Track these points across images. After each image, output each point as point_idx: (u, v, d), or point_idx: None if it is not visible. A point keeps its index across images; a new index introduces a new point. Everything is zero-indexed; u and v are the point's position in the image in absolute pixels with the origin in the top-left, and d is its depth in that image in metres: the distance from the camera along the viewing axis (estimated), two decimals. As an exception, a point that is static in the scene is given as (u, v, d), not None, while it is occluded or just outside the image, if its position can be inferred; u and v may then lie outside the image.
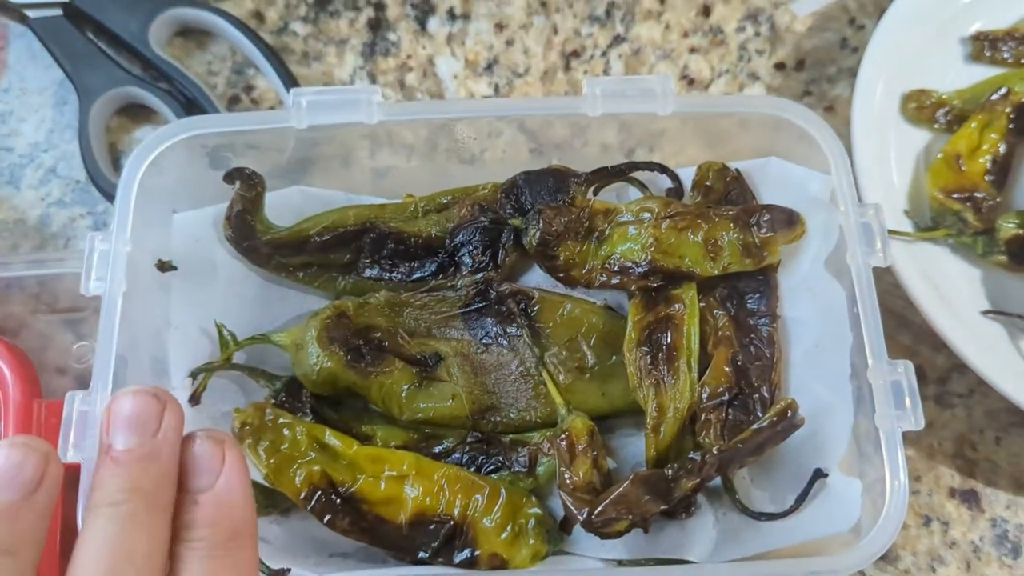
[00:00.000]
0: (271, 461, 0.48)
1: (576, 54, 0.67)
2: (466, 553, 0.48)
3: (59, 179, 0.63)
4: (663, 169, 0.55)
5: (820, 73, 0.66)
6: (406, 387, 0.51)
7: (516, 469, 0.51)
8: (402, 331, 0.52)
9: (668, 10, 0.68)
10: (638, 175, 0.55)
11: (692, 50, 0.67)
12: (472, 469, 0.51)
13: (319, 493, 0.48)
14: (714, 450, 0.46)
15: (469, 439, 0.52)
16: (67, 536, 0.50)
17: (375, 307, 0.52)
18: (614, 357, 0.52)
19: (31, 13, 0.63)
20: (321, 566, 0.50)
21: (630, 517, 0.46)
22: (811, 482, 0.48)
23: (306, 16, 0.67)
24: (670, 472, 0.46)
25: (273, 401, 0.51)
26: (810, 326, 0.51)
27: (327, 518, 0.48)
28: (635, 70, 0.66)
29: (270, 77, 0.64)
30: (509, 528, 0.49)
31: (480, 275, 0.53)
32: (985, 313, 0.57)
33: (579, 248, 0.52)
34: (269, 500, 0.50)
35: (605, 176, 0.55)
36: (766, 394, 0.50)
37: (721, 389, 0.50)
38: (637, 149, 0.57)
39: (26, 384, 0.51)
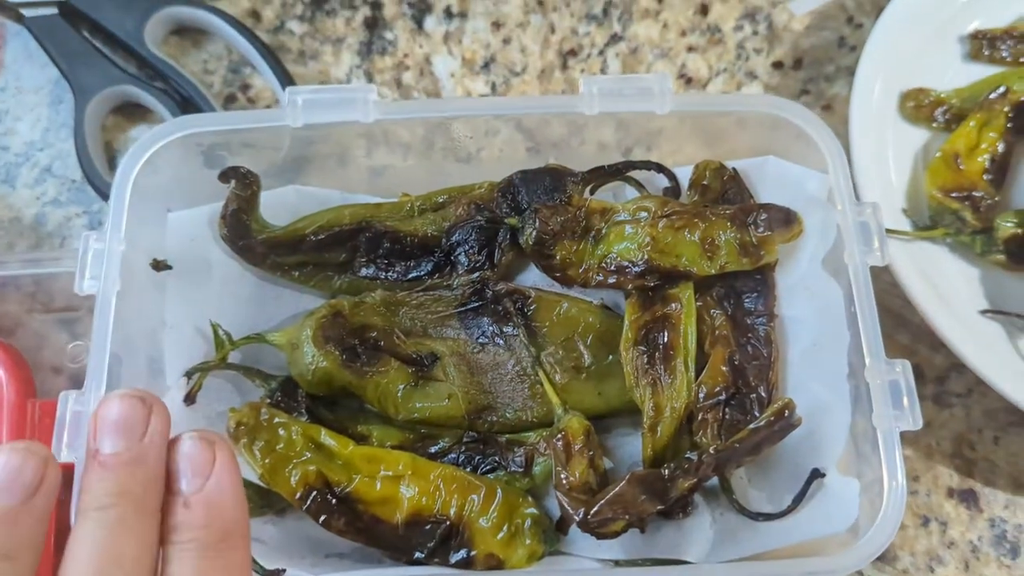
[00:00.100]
0: (266, 461, 0.48)
1: (573, 53, 0.66)
2: (462, 553, 0.48)
3: (55, 178, 0.63)
4: (660, 168, 0.55)
5: (818, 72, 0.66)
6: (402, 387, 0.51)
7: (512, 469, 0.51)
8: (398, 331, 0.52)
9: (666, 9, 0.67)
10: (635, 174, 0.55)
11: (690, 49, 0.67)
12: (468, 469, 0.50)
13: (315, 493, 0.48)
14: (711, 450, 0.46)
15: (465, 439, 0.51)
16: (61, 537, 0.50)
17: (371, 306, 0.52)
18: (611, 356, 0.52)
19: (27, 12, 0.63)
20: (317, 567, 0.49)
21: (626, 517, 0.45)
22: (808, 482, 0.48)
23: (302, 15, 0.67)
24: (667, 472, 0.46)
25: (268, 401, 0.51)
26: (808, 325, 0.51)
27: (323, 518, 0.48)
28: (632, 69, 0.66)
29: (266, 76, 0.64)
30: (505, 528, 0.48)
31: (476, 274, 0.53)
32: (983, 312, 0.57)
33: (576, 247, 0.52)
34: (264, 500, 0.50)
35: (602, 175, 0.54)
36: (763, 394, 0.50)
37: (718, 389, 0.50)
38: (634, 148, 0.56)
39: (20, 384, 0.51)
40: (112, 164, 0.63)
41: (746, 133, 0.54)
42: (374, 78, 0.66)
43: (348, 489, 0.48)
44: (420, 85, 0.66)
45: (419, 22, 0.67)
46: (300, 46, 0.66)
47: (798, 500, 0.48)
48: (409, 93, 0.66)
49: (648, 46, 0.67)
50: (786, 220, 0.51)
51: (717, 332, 0.51)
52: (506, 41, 0.67)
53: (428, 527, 0.48)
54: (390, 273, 0.54)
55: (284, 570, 0.47)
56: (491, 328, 0.52)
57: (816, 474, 0.48)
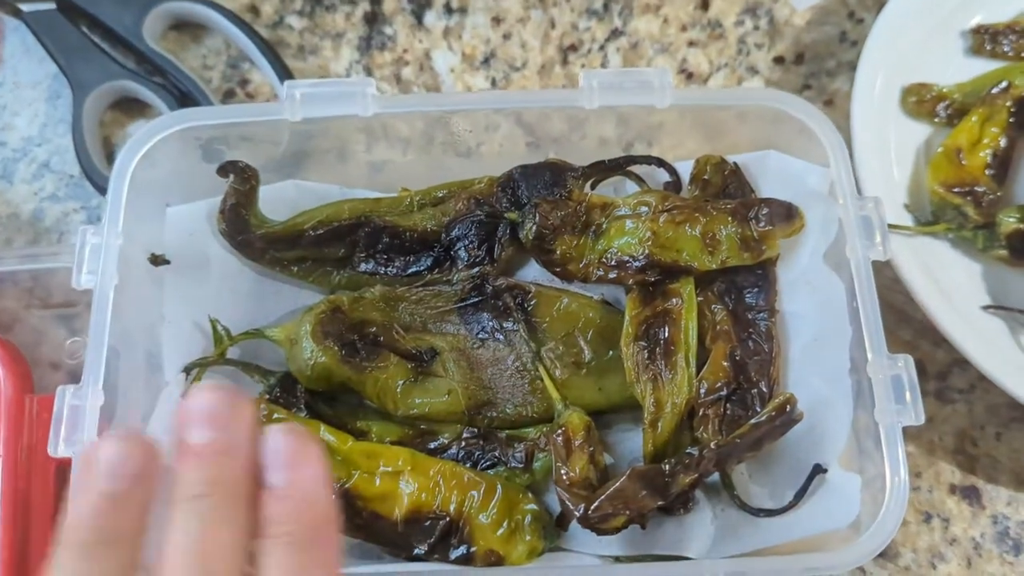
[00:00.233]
0: (265, 457, 0.48)
1: (574, 48, 0.66)
2: (462, 549, 0.48)
3: (52, 173, 0.63)
4: (661, 163, 0.54)
5: (819, 67, 0.66)
6: (401, 382, 0.51)
7: (512, 465, 0.50)
8: (397, 326, 0.52)
9: (666, 4, 0.67)
10: (636, 169, 0.55)
11: (691, 44, 0.66)
12: (468, 465, 0.50)
13: (313, 489, 0.47)
14: (712, 445, 0.46)
15: (465, 435, 0.51)
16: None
17: (370, 302, 0.52)
18: (611, 352, 0.52)
19: (25, 7, 0.63)
20: None
21: (627, 513, 0.45)
22: (810, 478, 0.47)
23: (301, 10, 0.67)
24: (667, 467, 0.45)
25: (267, 396, 0.51)
26: (809, 320, 0.51)
27: (321, 514, 0.47)
28: (633, 64, 0.66)
29: (265, 71, 0.64)
30: (505, 524, 0.48)
31: (476, 269, 0.53)
32: (986, 308, 0.57)
33: (576, 242, 0.52)
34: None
35: (602, 170, 0.54)
36: (764, 389, 0.50)
37: (719, 384, 0.50)
38: (635, 143, 0.56)
39: (18, 379, 0.51)
40: (110, 159, 0.63)
41: (747, 128, 0.54)
42: (373, 73, 0.65)
43: (347, 485, 0.48)
44: (420, 80, 0.65)
45: (419, 17, 0.67)
46: (299, 41, 0.66)
47: (799, 496, 0.47)
48: (409, 88, 0.65)
49: (649, 41, 0.66)
50: (787, 215, 0.51)
51: (718, 327, 0.51)
52: (506, 36, 0.66)
53: (428, 523, 0.48)
54: (389, 268, 0.54)
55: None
56: (491, 323, 0.52)
57: (818, 470, 0.47)
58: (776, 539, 0.47)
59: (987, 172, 0.58)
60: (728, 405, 0.49)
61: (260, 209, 0.53)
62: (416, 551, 0.48)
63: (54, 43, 0.62)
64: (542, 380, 0.51)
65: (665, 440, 0.49)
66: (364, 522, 0.48)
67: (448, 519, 0.48)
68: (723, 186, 0.53)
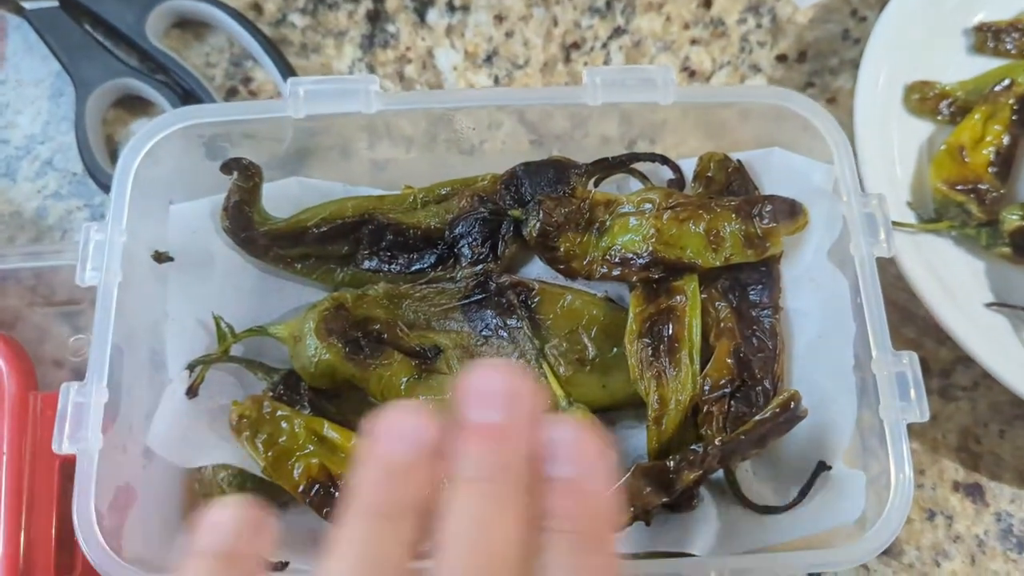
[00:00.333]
0: (269, 454, 0.48)
1: (576, 46, 0.66)
2: (466, 547, 0.48)
3: (56, 171, 0.63)
4: (664, 160, 0.54)
5: (822, 65, 0.66)
6: (405, 379, 0.51)
7: (516, 462, 0.50)
8: (401, 323, 0.52)
9: (669, 2, 0.67)
10: (639, 166, 0.55)
11: (693, 42, 0.66)
12: (472, 462, 0.50)
13: (317, 486, 0.47)
14: (716, 441, 0.46)
15: (469, 432, 0.51)
16: (63, 527, 0.49)
17: (374, 299, 0.52)
18: (615, 349, 0.51)
19: (27, 4, 0.63)
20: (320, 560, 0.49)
21: (631, 509, 0.45)
22: (814, 475, 0.47)
23: (304, 8, 0.67)
24: (672, 464, 0.45)
25: (271, 394, 0.51)
26: (813, 317, 0.51)
27: (325, 511, 0.47)
28: (636, 62, 0.66)
29: (268, 69, 0.64)
30: (509, 521, 0.48)
31: (480, 267, 0.53)
32: (989, 305, 0.57)
33: (580, 239, 0.52)
34: (267, 494, 0.50)
35: (606, 167, 0.54)
36: (768, 386, 0.50)
37: (723, 381, 0.50)
38: (638, 141, 0.56)
39: (22, 376, 0.51)
40: (113, 157, 0.63)
41: (750, 126, 0.54)
42: (376, 71, 0.65)
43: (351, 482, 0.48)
44: (423, 78, 0.65)
45: (421, 15, 0.67)
46: (302, 39, 0.66)
47: (804, 493, 0.47)
48: (411, 86, 0.65)
49: (651, 39, 0.66)
50: (791, 212, 0.51)
51: (722, 324, 0.51)
52: (509, 34, 0.66)
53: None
54: (393, 266, 0.54)
55: (287, 563, 0.46)
56: (495, 321, 0.52)
57: (822, 467, 0.47)
58: (780, 536, 0.47)
59: (990, 170, 0.58)
60: (732, 402, 0.49)
61: (263, 206, 0.53)
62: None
63: (57, 41, 0.62)
64: (546, 377, 0.51)
65: (669, 437, 0.49)
66: (368, 519, 0.48)
67: (452, 516, 0.48)
68: (727, 183, 0.53)
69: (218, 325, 0.51)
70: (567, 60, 0.66)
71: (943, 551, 0.55)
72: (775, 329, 0.51)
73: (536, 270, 0.54)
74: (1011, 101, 0.59)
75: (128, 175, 0.49)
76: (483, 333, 0.52)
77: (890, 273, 0.56)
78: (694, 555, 0.47)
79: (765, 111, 0.52)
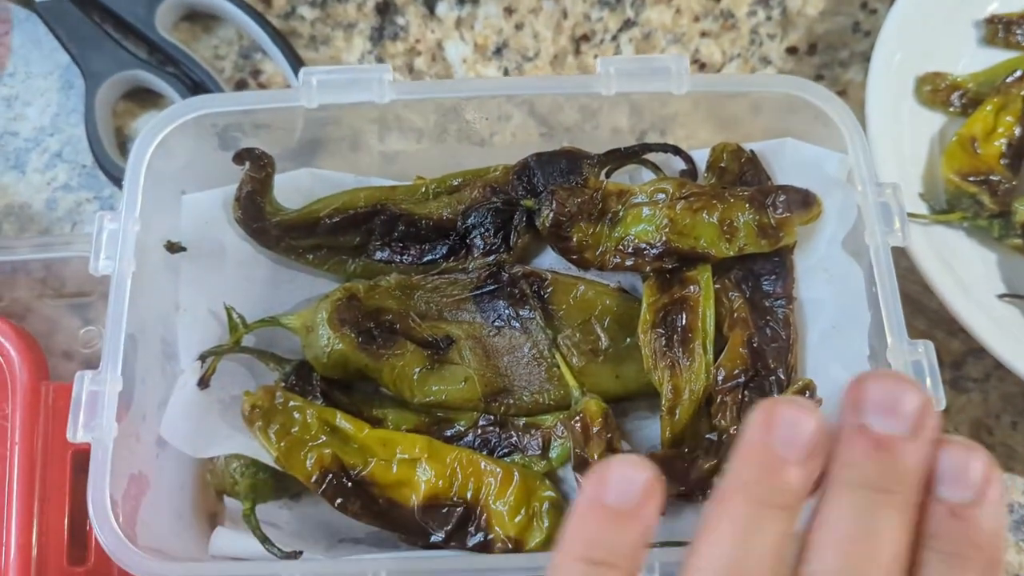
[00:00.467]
0: (281, 444, 0.48)
1: (586, 38, 0.66)
2: (479, 537, 0.48)
3: (65, 163, 0.63)
4: (677, 151, 0.54)
5: (832, 57, 0.66)
6: (418, 370, 0.50)
7: (529, 452, 0.50)
8: (413, 314, 0.52)
9: (679, -6, 0.67)
10: (651, 157, 0.55)
11: (703, 34, 0.66)
12: (484, 452, 0.50)
13: (330, 476, 0.47)
14: (731, 430, 0.46)
15: (481, 422, 0.51)
16: (75, 518, 0.49)
17: (386, 290, 0.52)
18: (628, 339, 0.51)
19: (37, -3, 0.63)
20: (332, 551, 0.49)
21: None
22: (829, 464, 0.47)
23: (313, 0, 0.67)
24: (686, 453, 0.45)
25: (283, 384, 0.51)
26: (827, 307, 0.51)
27: (338, 502, 0.47)
28: (645, 54, 0.66)
29: (277, 61, 0.64)
30: (523, 512, 0.48)
31: (492, 257, 0.53)
32: (1001, 296, 0.57)
33: (592, 230, 0.52)
34: (280, 484, 0.50)
35: (618, 158, 0.54)
36: (782, 376, 0.50)
37: (737, 371, 0.50)
38: (648, 133, 0.56)
39: (33, 366, 0.51)
40: (123, 149, 0.63)
41: (761, 117, 0.54)
42: (385, 63, 0.65)
43: (364, 472, 0.48)
44: (432, 71, 0.65)
45: (431, 7, 0.67)
46: (311, 31, 0.66)
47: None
48: (421, 79, 0.65)
49: (661, 31, 0.66)
50: (804, 202, 0.51)
51: (735, 314, 0.51)
52: (518, 27, 0.66)
53: (445, 510, 0.48)
54: (405, 256, 0.54)
55: (301, 552, 0.46)
56: (507, 311, 0.52)
57: (836, 456, 0.47)
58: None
59: (1002, 161, 0.58)
60: (746, 392, 0.49)
61: (275, 197, 0.53)
62: (433, 538, 0.48)
63: (66, 33, 0.62)
64: (558, 367, 0.51)
65: (683, 427, 0.49)
66: (380, 509, 0.48)
67: (465, 506, 0.48)
68: (740, 174, 0.53)
69: (230, 315, 0.51)
70: (577, 52, 0.66)
71: (956, 542, 0.55)
72: (789, 319, 0.51)
73: (549, 260, 0.54)
74: (1023, 93, 0.59)
75: (141, 164, 0.49)
76: (495, 324, 0.52)
77: (902, 265, 0.55)
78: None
79: (776, 103, 0.52)
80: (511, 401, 0.51)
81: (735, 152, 0.54)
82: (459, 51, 0.66)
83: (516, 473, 0.49)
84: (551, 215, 0.51)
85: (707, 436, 0.46)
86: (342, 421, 0.49)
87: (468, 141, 0.55)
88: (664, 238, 0.51)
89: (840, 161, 0.51)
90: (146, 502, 0.46)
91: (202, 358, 0.50)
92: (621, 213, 0.52)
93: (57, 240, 0.57)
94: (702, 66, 0.66)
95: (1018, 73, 0.59)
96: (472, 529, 0.48)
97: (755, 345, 0.50)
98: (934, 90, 0.60)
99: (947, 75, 0.61)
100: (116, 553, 0.42)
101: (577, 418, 0.48)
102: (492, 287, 0.52)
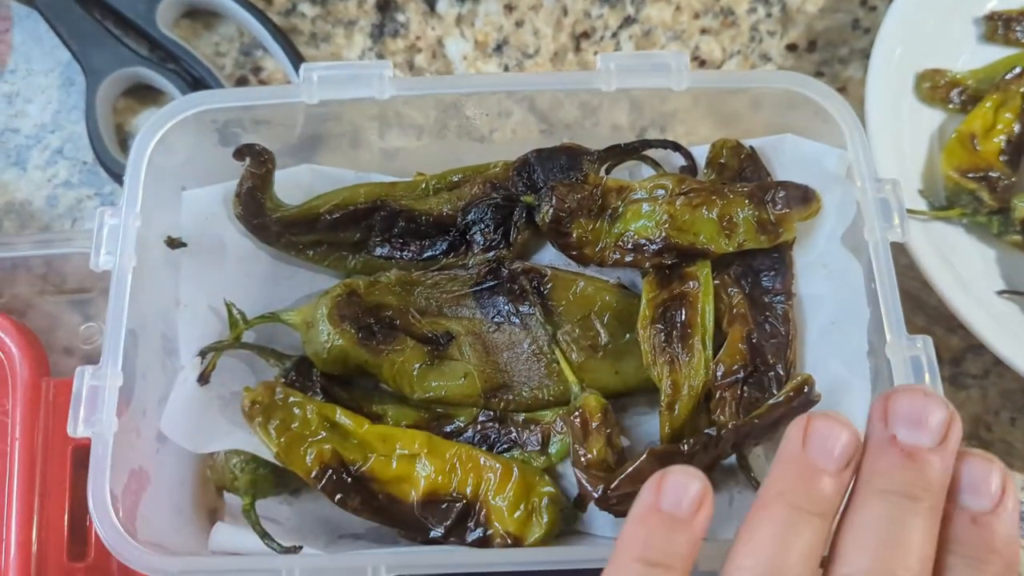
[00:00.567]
0: (281, 440, 0.48)
1: (586, 35, 0.66)
2: (479, 532, 0.48)
3: (66, 160, 0.63)
4: (676, 147, 0.54)
5: (832, 54, 0.66)
6: (417, 365, 0.51)
7: (529, 448, 0.50)
8: (413, 310, 0.52)
9: (679, -9, 0.67)
10: (651, 153, 0.55)
11: (703, 31, 0.66)
12: (484, 448, 0.50)
13: (330, 472, 0.47)
14: (729, 426, 0.46)
15: (481, 418, 0.51)
16: (75, 513, 0.49)
17: (386, 286, 0.52)
18: (627, 335, 0.51)
19: (38, -7, 0.63)
20: (331, 546, 0.49)
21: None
22: (828, 460, 0.47)
23: (314, -3, 0.67)
24: (685, 447, 0.45)
25: (283, 380, 0.51)
26: (826, 303, 0.51)
27: (338, 497, 0.47)
28: (646, 51, 0.66)
29: (278, 58, 0.64)
30: (522, 507, 0.48)
31: (492, 253, 0.53)
32: (1001, 293, 0.57)
33: (592, 226, 0.52)
34: (280, 480, 0.50)
35: (618, 154, 0.54)
36: (782, 372, 0.50)
37: (736, 367, 0.50)
38: (648, 130, 0.56)
39: (34, 362, 0.51)
40: (124, 146, 0.63)
41: (761, 114, 0.54)
42: (386, 60, 0.65)
43: (363, 468, 0.48)
44: (432, 68, 0.65)
45: (431, 4, 0.67)
46: (312, 28, 0.66)
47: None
48: (421, 75, 0.65)
49: (661, 28, 0.66)
50: (804, 197, 0.51)
51: (735, 310, 0.51)
52: (519, 23, 0.66)
53: (444, 506, 0.48)
54: (405, 252, 0.54)
55: (300, 547, 0.46)
56: (507, 307, 0.52)
57: (835, 452, 0.47)
58: (794, 521, 0.47)
59: (1001, 158, 0.58)
60: (745, 387, 0.49)
61: (276, 193, 0.53)
62: (432, 534, 0.48)
63: (67, 30, 0.62)
64: (558, 363, 0.51)
65: (682, 423, 0.49)
66: (380, 505, 0.48)
67: (464, 502, 0.48)
68: (739, 170, 0.53)
69: (230, 311, 0.51)
70: (577, 49, 0.66)
71: (955, 539, 0.55)
72: (788, 315, 0.51)
73: (548, 256, 0.54)
74: (1022, 89, 0.59)
75: (142, 159, 0.49)
76: (495, 320, 0.52)
77: (901, 262, 0.55)
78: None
79: (776, 99, 0.52)
80: (510, 397, 0.51)
81: (735, 148, 0.54)
82: (459, 48, 0.66)
83: (515, 469, 0.49)
84: (551, 211, 0.51)
85: (706, 431, 0.46)
86: (342, 417, 0.49)
87: (468, 137, 0.55)
88: (664, 234, 0.51)
89: (839, 157, 0.51)
90: (146, 497, 0.47)
91: (202, 354, 0.51)
92: (621, 209, 0.52)
93: (58, 236, 0.57)
94: (702, 63, 0.66)
95: (1017, 70, 0.59)
96: (471, 525, 0.48)
97: (754, 341, 0.50)
98: (934, 87, 0.60)
99: (947, 72, 0.61)
100: (116, 547, 0.42)
101: (576, 414, 0.48)
102: (492, 283, 0.52)
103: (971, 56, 0.62)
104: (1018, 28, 0.62)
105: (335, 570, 0.45)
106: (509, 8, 0.67)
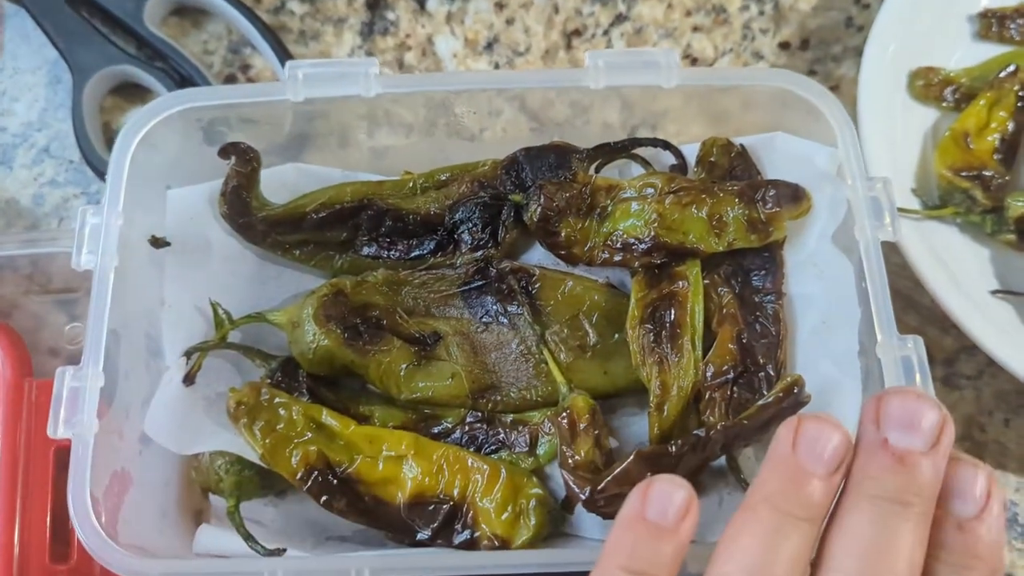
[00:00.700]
0: (267, 441, 0.47)
1: (577, 33, 0.66)
2: (466, 534, 0.47)
3: (52, 159, 0.62)
4: (667, 145, 0.54)
5: (825, 52, 0.65)
6: (404, 366, 0.50)
7: (517, 449, 0.50)
8: (400, 310, 0.51)
9: (671, -11, 0.67)
10: (641, 152, 0.54)
11: (695, 29, 0.66)
12: (472, 449, 0.50)
13: (316, 473, 0.47)
14: (719, 426, 0.45)
15: (469, 419, 0.51)
16: (57, 515, 0.49)
17: (373, 285, 0.51)
18: (616, 335, 0.51)
19: (25, -9, 0.62)
20: (318, 548, 0.49)
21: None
22: (818, 461, 0.47)
23: (303, -5, 0.66)
24: (674, 449, 0.45)
25: (269, 381, 0.50)
26: (816, 303, 0.50)
27: (324, 499, 0.47)
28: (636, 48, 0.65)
29: (267, 56, 0.63)
30: (510, 509, 0.47)
31: (480, 253, 0.52)
32: (994, 293, 0.56)
33: (581, 225, 0.51)
34: (265, 481, 0.49)
35: (608, 152, 0.54)
36: (772, 372, 0.49)
37: (726, 367, 0.49)
38: (639, 128, 0.56)
39: (17, 363, 0.50)
40: (110, 144, 0.62)
41: (752, 113, 0.54)
42: (373, 58, 0.65)
43: (350, 469, 0.48)
44: (422, 66, 0.65)
45: (421, 2, 0.66)
46: (301, 26, 0.66)
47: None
48: (411, 74, 0.65)
49: (653, 26, 0.66)
50: (795, 196, 0.50)
51: (724, 310, 0.51)
52: (509, 21, 0.66)
53: (431, 508, 0.48)
54: (392, 252, 0.53)
55: (284, 549, 0.46)
56: (495, 307, 0.52)
57: (826, 453, 0.47)
58: (784, 523, 0.46)
59: (995, 156, 0.58)
60: (735, 388, 0.49)
61: (262, 192, 0.52)
62: (419, 536, 0.47)
63: (54, 28, 0.62)
64: (546, 364, 0.50)
65: (671, 423, 0.48)
66: (366, 507, 0.48)
67: (452, 504, 0.48)
68: (729, 168, 0.53)
69: (216, 311, 0.51)
70: (568, 47, 0.65)
71: (948, 541, 0.55)
72: (778, 315, 0.50)
73: (537, 256, 0.54)
74: (1016, 88, 0.59)
75: (125, 157, 0.48)
76: (483, 319, 0.52)
77: (894, 261, 0.55)
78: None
79: (767, 98, 0.52)
80: (498, 398, 0.50)
81: (725, 146, 0.53)
82: (449, 46, 0.65)
83: (503, 470, 0.48)
84: (539, 210, 0.50)
85: (695, 432, 0.46)
86: (328, 418, 0.48)
87: (458, 136, 0.55)
88: (653, 233, 0.50)
89: (830, 155, 0.50)
90: (129, 499, 0.46)
91: (187, 354, 0.50)
92: (610, 208, 0.51)
93: (43, 236, 0.57)
94: (694, 61, 0.65)
95: (1011, 68, 0.59)
96: (458, 527, 0.48)
97: (744, 341, 0.50)
98: (927, 85, 0.60)
99: (940, 70, 0.60)
100: (96, 551, 0.42)
101: (564, 414, 0.48)
102: (480, 283, 0.52)
103: (965, 54, 0.62)
104: (1012, 26, 0.61)
105: (319, 572, 0.44)
106: (500, 6, 0.66)
